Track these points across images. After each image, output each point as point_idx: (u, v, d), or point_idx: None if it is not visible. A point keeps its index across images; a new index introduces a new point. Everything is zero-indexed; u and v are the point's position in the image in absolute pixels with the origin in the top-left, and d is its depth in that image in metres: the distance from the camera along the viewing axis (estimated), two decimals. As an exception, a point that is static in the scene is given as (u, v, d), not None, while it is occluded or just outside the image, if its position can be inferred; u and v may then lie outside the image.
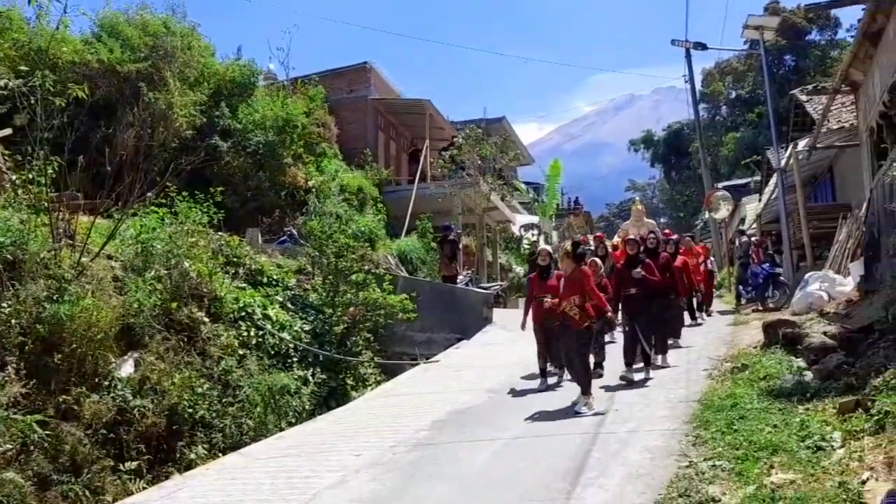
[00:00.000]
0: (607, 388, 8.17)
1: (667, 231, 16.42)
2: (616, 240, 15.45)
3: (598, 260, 9.12)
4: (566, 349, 7.56)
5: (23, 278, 7.18)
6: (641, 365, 8.51)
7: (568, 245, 7.76)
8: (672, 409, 6.88)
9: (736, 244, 17.29)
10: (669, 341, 9.70)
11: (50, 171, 8.09)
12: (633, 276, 8.38)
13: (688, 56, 23.08)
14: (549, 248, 8.48)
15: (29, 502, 5.89)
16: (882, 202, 9.65)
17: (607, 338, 9.93)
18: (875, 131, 10.76)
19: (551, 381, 8.75)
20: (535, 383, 8.78)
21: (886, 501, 2.90)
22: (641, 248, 9.19)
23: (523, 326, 9.11)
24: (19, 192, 8.28)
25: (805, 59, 35.78)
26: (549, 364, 8.79)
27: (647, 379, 8.31)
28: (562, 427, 6.62)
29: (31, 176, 8.14)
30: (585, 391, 7.23)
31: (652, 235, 9.95)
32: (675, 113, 47.49)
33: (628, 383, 8.14)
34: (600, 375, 8.53)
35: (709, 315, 13.46)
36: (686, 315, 12.23)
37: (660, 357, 9.04)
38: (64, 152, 8.37)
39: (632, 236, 9.09)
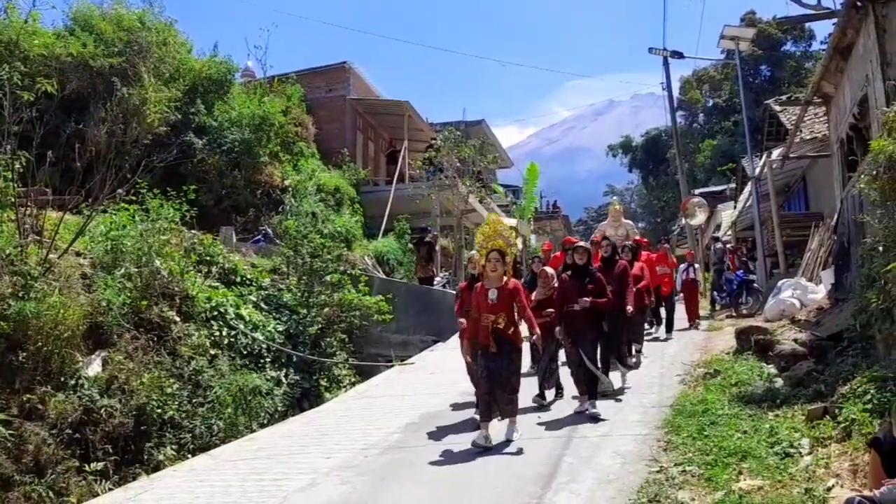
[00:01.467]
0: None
1: (637, 237, 15.73)
2: (596, 236, 15.43)
3: (549, 270, 8.09)
4: (498, 375, 6.31)
5: (-13, 274, 7.00)
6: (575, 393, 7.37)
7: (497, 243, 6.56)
8: (644, 414, 6.92)
9: (711, 251, 17.50)
10: (634, 348, 9.22)
11: (18, 165, 7.90)
12: (580, 304, 6.95)
13: (665, 64, 23.29)
14: (477, 254, 7.04)
15: (-10, 503, 5.74)
16: (851, 213, 9.80)
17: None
18: (845, 143, 10.95)
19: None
20: None
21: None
22: (602, 254, 8.44)
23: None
24: (-15, 186, 8.06)
25: (780, 69, 36.33)
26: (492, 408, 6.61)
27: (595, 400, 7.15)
28: (534, 431, 6.61)
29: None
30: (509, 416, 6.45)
31: (606, 242, 8.75)
32: (654, 119, 47.99)
33: (539, 406, 7.49)
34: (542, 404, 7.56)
35: (696, 328, 12.53)
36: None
37: (619, 375, 8.11)
38: (32, 147, 8.19)
39: (581, 244, 8.08)
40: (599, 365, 7.14)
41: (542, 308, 7.51)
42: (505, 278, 6.34)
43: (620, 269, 8.28)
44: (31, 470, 6.28)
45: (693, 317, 12.82)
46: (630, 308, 7.92)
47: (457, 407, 8.05)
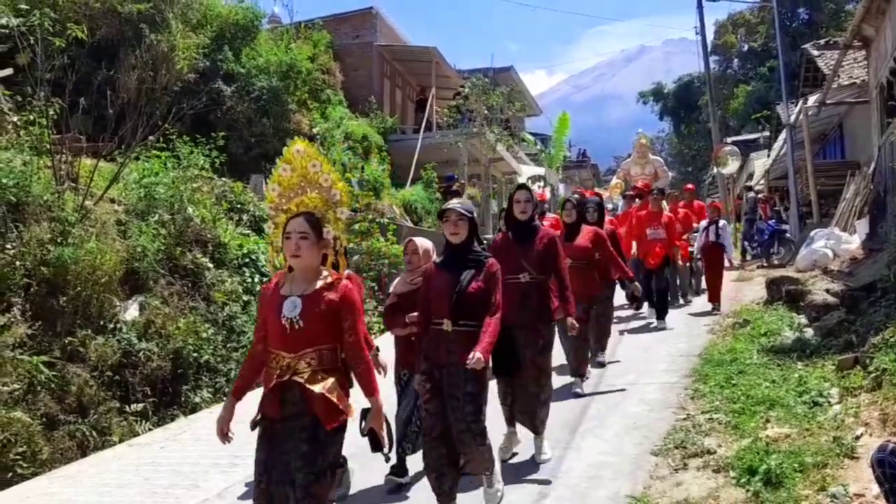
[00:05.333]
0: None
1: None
2: (615, 181, 14.55)
3: (419, 241, 4.72)
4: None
5: (26, 220, 7.16)
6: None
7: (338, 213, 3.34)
8: (671, 363, 6.95)
9: (743, 200, 17.17)
10: (599, 357, 7.06)
11: (52, 112, 7.99)
12: (470, 363, 3.55)
13: (699, 7, 22.47)
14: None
15: (37, 441, 6.00)
16: (889, 160, 9.53)
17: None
18: (885, 88, 10.57)
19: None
20: None
21: (876, 455, 2.93)
22: (565, 219, 6.43)
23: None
24: (21, 133, 8.19)
25: (819, 12, 34.75)
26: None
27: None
28: (562, 380, 6.70)
29: (32, 117, 8.04)
30: None
31: (569, 204, 6.56)
32: (687, 65, 46.51)
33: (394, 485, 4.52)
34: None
35: (716, 312, 9.27)
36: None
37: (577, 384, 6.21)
38: (65, 94, 8.24)
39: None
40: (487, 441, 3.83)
41: (403, 310, 4.41)
42: (325, 274, 3.16)
43: (590, 238, 6.37)
44: (75, 410, 6.52)
45: (714, 295, 9.57)
46: (572, 321, 4.82)
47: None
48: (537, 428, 4.78)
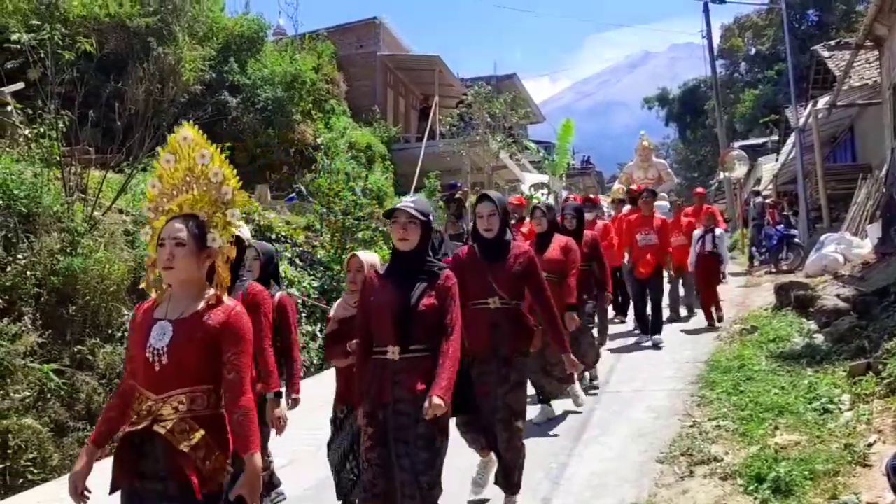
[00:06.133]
0: (612, 351, 8.19)
1: (668, 178, 12.55)
2: (617, 186, 14.30)
3: (364, 256, 3.93)
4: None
5: (37, 231, 7.25)
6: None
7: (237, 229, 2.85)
8: (678, 370, 6.90)
9: (751, 205, 17.07)
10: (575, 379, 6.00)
11: (61, 125, 8.09)
12: (428, 410, 2.93)
13: (706, 10, 22.50)
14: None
15: (47, 447, 6.10)
16: (901, 163, 9.46)
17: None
18: (898, 88, 10.50)
19: None
20: None
21: (891, 463, 2.88)
22: (536, 227, 5.62)
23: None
24: (32, 146, 8.29)
25: (829, 13, 34.60)
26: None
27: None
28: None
29: (42, 130, 8.14)
30: None
31: (539, 212, 5.67)
32: (692, 70, 46.46)
33: None
34: None
35: (719, 322, 8.86)
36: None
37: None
38: (75, 106, 8.35)
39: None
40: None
41: (347, 338, 3.66)
42: (210, 293, 2.52)
43: (559, 250, 5.41)
44: (84, 417, 6.59)
45: (709, 310, 8.90)
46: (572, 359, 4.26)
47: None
48: (511, 484, 3.95)
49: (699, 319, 9.40)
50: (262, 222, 11.09)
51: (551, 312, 4.10)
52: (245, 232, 3.67)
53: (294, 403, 4.11)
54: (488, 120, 19.28)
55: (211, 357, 2.40)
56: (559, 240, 5.57)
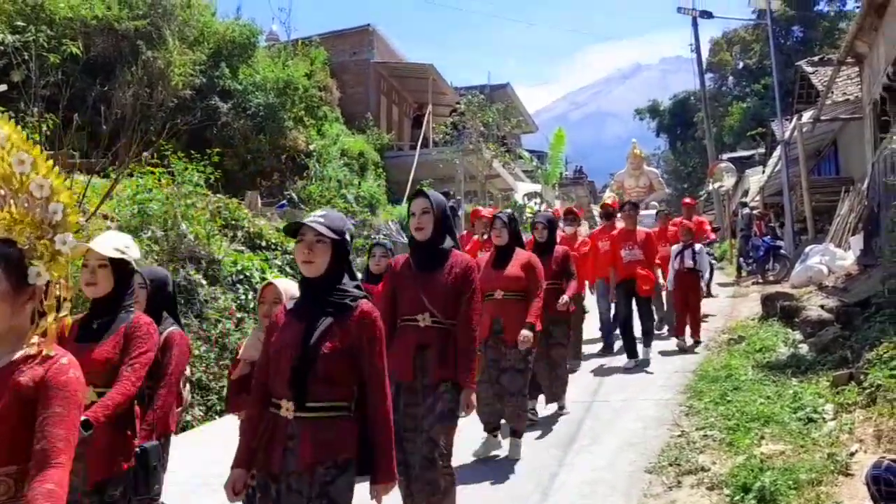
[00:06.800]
0: (600, 359, 8.19)
1: (660, 188, 13.06)
2: (608, 194, 14.24)
3: (281, 285, 3.50)
4: None
5: (18, 237, 7.15)
6: None
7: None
8: (667, 380, 6.92)
9: (738, 216, 17.20)
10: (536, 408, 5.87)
11: (45, 128, 8.01)
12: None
13: (694, 24, 22.74)
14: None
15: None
16: (882, 176, 9.56)
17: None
18: (878, 104, 10.65)
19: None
20: None
21: (871, 472, 2.90)
22: (496, 240, 5.03)
23: None
24: (15, 149, 8.19)
25: (813, 30, 35.11)
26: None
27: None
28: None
29: (25, 133, 8.05)
30: None
31: (499, 222, 5.00)
32: (683, 83, 46.86)
33: None
34: None
35: (696, 345, 8.23)
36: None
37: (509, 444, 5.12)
38: (59, 110, 8.27)
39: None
40: None
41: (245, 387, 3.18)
42: (35, 340, 1.87)
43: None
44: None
45: (683, 327, 8.28)
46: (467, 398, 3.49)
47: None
48: None
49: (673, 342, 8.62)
50: (251, 229, 11.03)
51: (469, 337, 3.46)
52: (132, 253, 3.04)
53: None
54: (481, 129, 19.35)
55: (22, 426, 1.76)
56: (521, 255, 4.98)
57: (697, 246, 8.59)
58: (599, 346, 8.55)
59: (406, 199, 17.04)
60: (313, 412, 2.38)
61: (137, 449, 2.93)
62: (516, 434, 5.10)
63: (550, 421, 5.89)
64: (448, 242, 3.56)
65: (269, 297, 3.34)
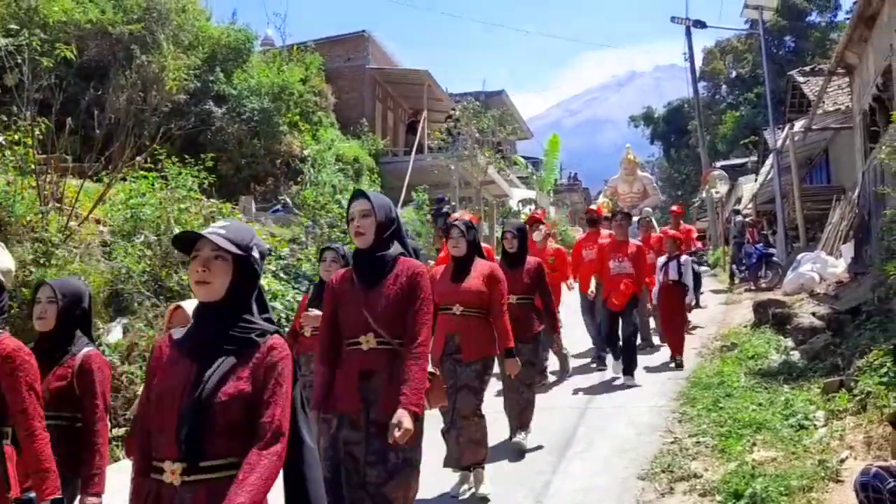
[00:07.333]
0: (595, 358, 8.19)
1: (653, 195, 12.76)
2: (602, 200, 14.13)
3: (183, 306, 3.25)
4: None
5: (8, 241, 7.08)
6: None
7: None
8: (660, 386, 6.93)
9: (731, 224, 17.29)
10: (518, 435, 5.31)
11: (37, 132, 7.97)
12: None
13: (688, 33, 22.87)
14: None
15: (18, 463, 5.86)
16: (872, 185, 9.65)
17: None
18: (868, 114, 10.76)
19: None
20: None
21: (860, 479, 2.92)
22: (453, 251, 4.51)
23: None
24: (6, 153, 8.16)
25: (805, 40, 35.44)
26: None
27: None
28: (549, 401, 6.66)
29: (18, 137, 8.02)
30: None
31: (457, 231, 4.47)
32: (677, 91, 47.07)
33: None
34: None
35: (678, 365, 7.68)
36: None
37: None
38: (52, 113, 8.24)
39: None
40: None
41: None
42: None
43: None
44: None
45: (674, 344, 7.87)
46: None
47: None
48: None
49: (660, 357, 8.45)
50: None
51: (416, 353, 2.94)
52: (5, 262, 2.59)
53: None
54: (477, 135, 19.38)
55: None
56: (482, 266, 4.47)
57: (683, 258, 8.19)
58: (587, 360, 8.34)
59: (405, 204, 17.08)
60: (209, 472, 1.86)
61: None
62: (478, 465, 4.49)
63: (544, 427, 5.88)
64: (395, 249, 3.09)
65: (176, 321, 2.86)
